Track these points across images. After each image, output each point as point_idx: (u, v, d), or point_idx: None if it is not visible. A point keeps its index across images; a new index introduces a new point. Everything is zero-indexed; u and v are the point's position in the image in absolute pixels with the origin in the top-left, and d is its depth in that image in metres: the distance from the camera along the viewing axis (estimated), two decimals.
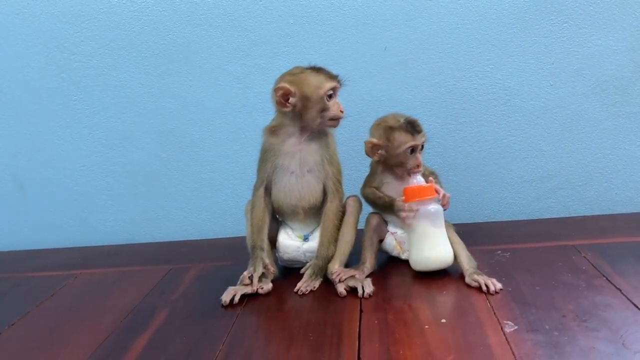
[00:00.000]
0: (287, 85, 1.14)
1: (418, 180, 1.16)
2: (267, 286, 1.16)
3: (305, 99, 1.14)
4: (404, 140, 1.15)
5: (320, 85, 1.14)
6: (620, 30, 1.39)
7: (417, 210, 1.13)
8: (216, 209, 1.62)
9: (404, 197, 1.15)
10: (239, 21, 1.49)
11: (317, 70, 1.16)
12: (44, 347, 1.04)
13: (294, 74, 1.16)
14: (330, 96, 1.15)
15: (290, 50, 1.48)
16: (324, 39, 1.47)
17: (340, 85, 1.17)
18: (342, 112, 1.17)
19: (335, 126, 1.19)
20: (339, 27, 1.46)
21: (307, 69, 1.17)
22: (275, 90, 1.15)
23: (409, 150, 1.16)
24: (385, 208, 1.21)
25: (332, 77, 1.16)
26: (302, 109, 1.15)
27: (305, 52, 1.47)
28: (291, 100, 1.14)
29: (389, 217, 1.24)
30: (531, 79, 1.44)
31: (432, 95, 1.47)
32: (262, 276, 1.16)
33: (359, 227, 1.23)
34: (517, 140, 1.47)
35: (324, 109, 1.15)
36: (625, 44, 1.40)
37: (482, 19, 1.42)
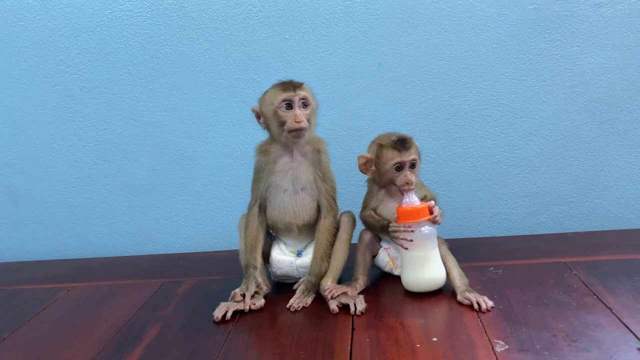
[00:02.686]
0: (255, 107, 1.17)
1: (412, 198, 1.14)
2: (259, 302, 1.15)
3: (264, 116, 1.16)
4: (390, 157, 1.14)
5: (272, 100, 1.13)
6: (612, 49, 1.41)
7: (413, 231, 1.11)
8: (210, 221, 1.62)
9: (397, 218, 1.14)
10: (234, 36, 1.50)
11: (277, 84, 1.15)
12: None
13: (263, 94, 1.18)
14: (289, 106, 1.12)
15: (285, 65, 1.49)
16: (318, 54, 1.48)
17: (296, 94, 1.12)
18: (297, 122, 1.11)
19: (297, 137, 1.14)
20: (333, 43, 1.47)
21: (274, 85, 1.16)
22: (253, 112, 1.18)
23: (395, 167, 1.14)
24: (382, 231, 1.19)
25: (287, 88, 1.12)
26: (267, 126, 1.16)
27: (299, 67, 1.48)
28: (261, 120, 1.16)
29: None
30: (524, 95, 1.45)
31: (425, 111, 1.48)
32: (255, 293, 1.16)
33: (352, 242, 1.23)
34: (510, 156, 1.48)
35: (281, 123, 1.13)
36: (617, 62, 1.41)
37: (475, 36, 1.44)
